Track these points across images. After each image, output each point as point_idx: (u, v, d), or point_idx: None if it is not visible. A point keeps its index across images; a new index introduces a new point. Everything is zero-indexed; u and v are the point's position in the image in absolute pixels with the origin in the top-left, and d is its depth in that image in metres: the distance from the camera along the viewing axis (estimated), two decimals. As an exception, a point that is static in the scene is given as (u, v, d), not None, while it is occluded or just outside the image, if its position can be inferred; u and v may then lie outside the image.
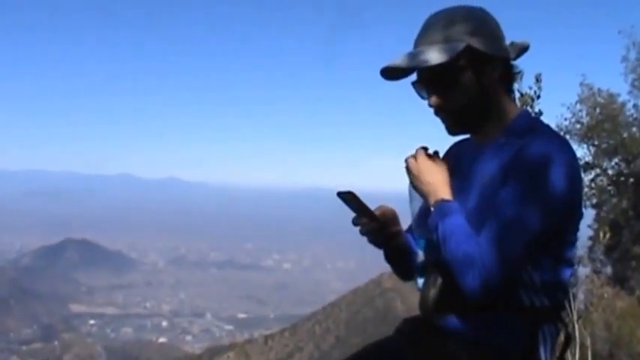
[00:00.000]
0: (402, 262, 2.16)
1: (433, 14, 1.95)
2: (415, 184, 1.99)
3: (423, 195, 1.96)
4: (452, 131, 2.00)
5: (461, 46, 1.85)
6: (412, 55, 1.91)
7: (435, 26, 1.91)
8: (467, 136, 2.06)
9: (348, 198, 1.98)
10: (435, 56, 1.86)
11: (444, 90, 1.91)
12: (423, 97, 1.98)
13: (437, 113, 1.97)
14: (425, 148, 2.02)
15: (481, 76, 1.90)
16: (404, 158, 2.01)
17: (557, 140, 1.85)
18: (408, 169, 1.99)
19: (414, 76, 1.98)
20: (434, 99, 1.93)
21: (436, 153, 2.03)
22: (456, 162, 2.04)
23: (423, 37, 1.92)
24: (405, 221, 2.15)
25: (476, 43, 1.87)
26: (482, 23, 1.91)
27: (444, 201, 1.89)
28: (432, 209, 1.91)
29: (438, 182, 1.94)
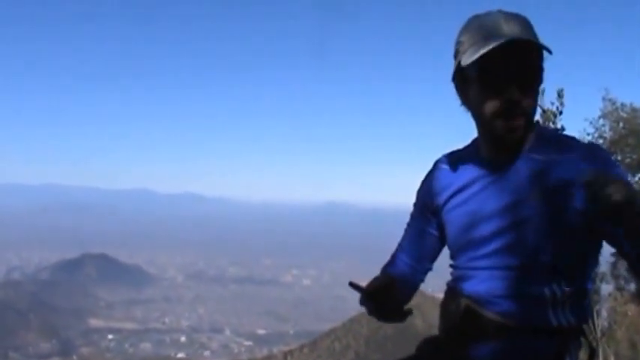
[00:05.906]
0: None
1: (501, 14, 1.72)
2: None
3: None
4: (514, 140, 1.76)
5: (548, 48, 1.69)
6: (529, 33, 1.70)
7: (520, 23, 1.70)
8: (450, 150, 1.97)
9: (355, 288, 2.02)
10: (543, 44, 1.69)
11: (533, 89, 1.73)
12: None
13: (511, 116, 1.71)
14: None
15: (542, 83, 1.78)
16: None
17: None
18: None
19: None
20: (528, 100, 1.71)
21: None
22: (462, 178, 1.89)
23: (516, 28, 1.68)
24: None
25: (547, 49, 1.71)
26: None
27: None
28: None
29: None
